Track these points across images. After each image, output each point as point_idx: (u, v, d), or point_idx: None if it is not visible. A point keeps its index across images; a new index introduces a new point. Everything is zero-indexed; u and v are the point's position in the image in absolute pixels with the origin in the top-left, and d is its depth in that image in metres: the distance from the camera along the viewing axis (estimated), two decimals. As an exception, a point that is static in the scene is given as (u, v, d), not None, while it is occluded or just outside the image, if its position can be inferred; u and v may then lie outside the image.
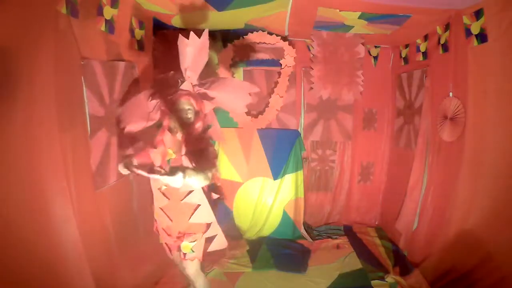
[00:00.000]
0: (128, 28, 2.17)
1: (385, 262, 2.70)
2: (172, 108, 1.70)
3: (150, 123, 1.79)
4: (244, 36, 2.97)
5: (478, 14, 1.96)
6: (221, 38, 3.02)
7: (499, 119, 1.90)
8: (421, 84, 2.69)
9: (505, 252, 1.81)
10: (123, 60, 2.08)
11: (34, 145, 1.36)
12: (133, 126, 1.81)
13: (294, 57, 3.04)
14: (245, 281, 2.45)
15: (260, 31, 2.95)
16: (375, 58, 3.29)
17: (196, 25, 2.85)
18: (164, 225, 1.82)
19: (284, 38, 3.02)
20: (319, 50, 3.02)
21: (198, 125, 1.74)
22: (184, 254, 1.80)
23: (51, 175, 1.43)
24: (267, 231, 3.14)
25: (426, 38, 2.62)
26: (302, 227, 3.17)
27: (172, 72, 1.75)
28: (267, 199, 3.17)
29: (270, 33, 2.96)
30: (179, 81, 1.73)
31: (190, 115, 1.71)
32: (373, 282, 2.39)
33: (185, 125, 1.71)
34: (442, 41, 2.37)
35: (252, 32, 2.95)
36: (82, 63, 1.65)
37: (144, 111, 1.76)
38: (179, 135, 1.73)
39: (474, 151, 2.07)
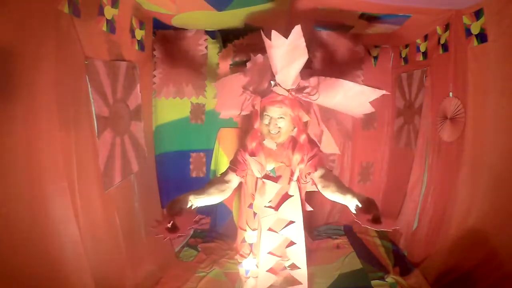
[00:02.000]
0: (128, 28, 2.18)
1: (385, 262, 2.70)
2: (262, 112, 1.48)
3: (244, 113, 1.63)
4: (244, 36, 2.96)
5: (478, 14, 1.96)
6: (221, 38, 3.02)
7: (499, 119, 1.90)
8: (421, 84, 2.69)
9: (506, 252, 1.82)
10: (124, 60, 2.08)
11: (34, 145, 1.36)
12: (226, 113, 1.67)
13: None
14: (245, 281, 2.45)
15: (260, 31, 2.95)
16: (375, 58, 3.29)
17: (196, 25, 2.85)
18: (272, 246, 1.59)
19: (284, 38, 3.01)
20: (319, 50, 3.02)
21: (303, 138, 1.49)
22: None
23: (52, 175, 1.43)
24: (267, 231, 3.13)
25: (426, 38, 2.62)
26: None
27: (261, 59, 1.47)
28: (267, 199, 3.16)
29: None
30: (271, 82, 1.49)
31: (282, 124, 1.46)
32: (373, 282, 2.39)
33: (276, 135, 1.48)
34: (442, 41, 2.38)
35: (252, 32, 2.95)
36: (86, 62, 1.65)
37: (238, 98, 1.58)
38: (269, 143, 1.48)
39: (474, 151, 2.07)
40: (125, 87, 2.09)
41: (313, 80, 1.53)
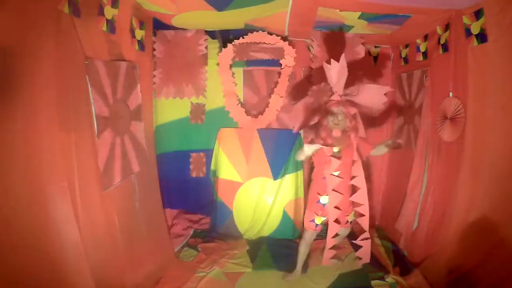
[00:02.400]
0: (128, 28, 2.18)
1: (385, 262, 2.70)
2: (327, 113, 2.24)
3: (313, 122, 2.54)
4: (244, 36, 2.96)
5: (478, 14, 1.96)
6: (221, 38, 3.02)
7: (499, 119, 1.90)
8: (421, 84, 2.69)
9: (506, 252, 1.81)
10: (124, 60, 2.08)
11: (34, 145, 1.36)
12: (299, 127, 2.81)
13: (294, 57, 3.04)
14: (245, 281, 2.45)
15: (260, 31, 2.95)
16: (375, 58, 3.29)
17: (196, 25, 2.85)
18: (336, 202, 2.26)
19: (284, 38, 3.01)
20: (319, 50, 3.02)
21: (352, 123, 2.25)
22: (350, 222, 2.53)
23: (52, 175, 1.43)
24: (267, 231, 3.14)
25: (426, 38, 2.63)
26: (302, 227, 3.17)
27: (323, 83, 2.43)
28: (267, 199, 3.16)
29: (270, 33, 2.96)
30: (329, 92, 2.33)
31: (341, 117, 2.20)
32: (373, 282, 2.40)
33: (337, 126, 2.21)
34: (442, 41, 2.38)
35: (252, 32, 2.95)
36: (86, 62, 1.64)
37: (306, 115, 2.59)
38: (336, 133, 2.20)
39: (474, 151, 2.07)
40: (125, 87, 2.09)
41: (352, 88, 2.33)
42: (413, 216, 2.72)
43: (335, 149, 2.27)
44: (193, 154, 3.32)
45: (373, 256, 2.79)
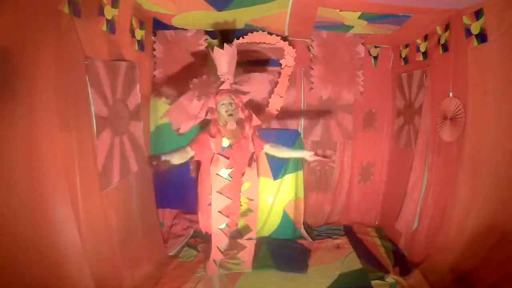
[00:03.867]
0: (128, 28, 2.18)
1: (385, 262, 2.70)
2: (217, 104, 2.05)
3: (198, 120, 2.14)
4: (244, 36, 2.96)
5: (478, 14, 1.96)
6: (221, 38, 3.02)
7: (499, 119, 1.90)
8: (421, 84, 2.69)
9: (506, 252, 1.81)
10: (124, 60, 2.08)
11: (35, 145, 1.36)
12: (185, 126, 2.14)
13: (294, 57, 3.04)
14: (245, 281, 2.45)
15: (260, 31, 2.94)
16: (375, 58, 3.29)
17: (196, 25, 2.85)
18: (220, 207, 2.05)
19: (284, 38, 3.00)
20: (319, 50, 3.02)
21: (246, 112, 2.11)
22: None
23: (52, 175, 1.43)
24: (267, 231, 3.14)
25: (426, 38, 2.63)
26: (302, 227, 3.17)
27: (205, 76, 2.07)
28: (267, 199, 3.16)
29: (270, 33, 2.95)
30: (217, 82, 2.08)
31: (233, 107, 2.04)
32: (373, 282, 2.39)
33: (232, 117, 2.04)
34: (442, 41, 2.38)
35: (252, 32, 2.94)
36: (86, 62, 1.65)
37: (190, 112, 2.12)
38: (231, 125, 2.03)
39: (474, 151, 2.07)
40: (125, 87, 2.09)
41: (242, 77, 2.27)
42: (413, 216, 2.72)
43: (226, 143, 2.06)
44: (193, 154, 3.31)
45: (373, 256, 2.80)
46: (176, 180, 3.26)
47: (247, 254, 2.36)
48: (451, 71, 2.27)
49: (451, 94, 2.30)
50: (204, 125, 2.16)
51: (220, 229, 2.08)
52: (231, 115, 2.03)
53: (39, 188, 1.38)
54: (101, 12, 1.81)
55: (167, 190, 3.18)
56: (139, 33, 2.33)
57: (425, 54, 2.66)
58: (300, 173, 3.20)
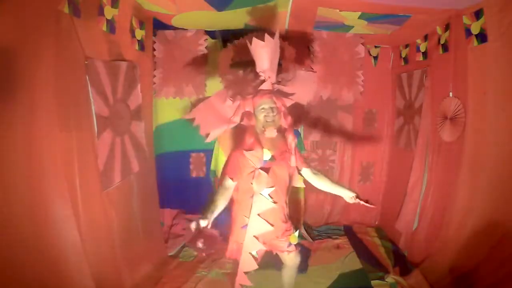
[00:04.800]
0: (128, 28, 2.18)
1: (385, 262, 2.70)
2: (255, 108, 1.73)
3: (232, 125, 1.82)
4: (244, 36, 2.96)
5: (478, 14, 1.96)
6: (221, 38, 3.02)
7: (499, 119, 1.90)
8: (421, 84, 2.69)
9: (506, 251, 1.82)
10: (124, 60, 2.08)
11: (34, 145, 1.36)
12: (215, 132, 1.83)
13: (294, 57, 3.03)
14: (245, 281, 2.45)
15: (260, 32, 2.94)
16: (375, 58, 3.29)
17: (196, 25, 2.85)
18: (258, 232, 1.73)
19: (284, 38, 3.01)
20: (319, 50, 3.02)
21: (289, 119, 1.77)
22: (294, 245, 1.88)
23: (52, 175, 1.43)
24: (267, 231, 3.13)
25: (426, 38, 2.62)
26: (302, 227, 3.17)
27: (241, 71, 1.76)
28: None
29: (270, 33, 2.96)
30: (256, 80, 1.75)
31: (274, 112, 1.72)
32: (373, 282, 2.39)
33: (272, 123, 1.71)
34: (442, 41, 2.38)
35: (252, 32, 2.94)
36: (86, 62, 1.65)
37: (222, 114, 1.81)
38: (271, 132, 1.70)
39: (474, 151, 2.07)
40: (126, 87, 2.09)
41: (285, 75, 1.88)
42: (413, 216, 2.72)
43: (267, 156, 1.70)
44: (193, 154, 3.31)
45: (373, 256, 2.80)
46: (176, 180, 3.27)
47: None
48: (451, 71, 2.27)
49: (451, 94, 2.30)
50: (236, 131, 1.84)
51: (251, 254, 1.76)
52: (271, 120, 1.70)
53: (39, 188, 1.38)
54: (101, 12, 1.80)
55: (167, 190, 3.18)
56: (139, 33, 2.33)
57: (425, 54, 2.66)
58: (300, 173, 3.19)
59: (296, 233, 1.86)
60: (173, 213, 3.32)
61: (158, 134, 3.05)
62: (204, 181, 3.34)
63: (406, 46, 2.97)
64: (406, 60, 3.01)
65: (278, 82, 1.82)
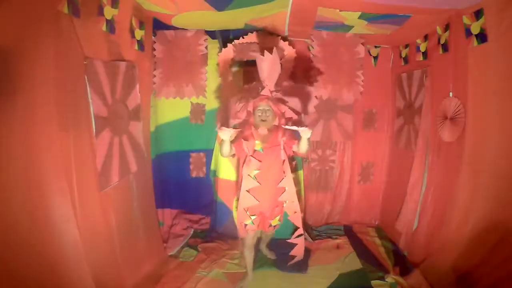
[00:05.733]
0: (128, 28, 2.18)
1: (385, 262, 2.70)
2: (255, 109, 2.16)
3: (238, 120, 2.40)
4: (244, 36, 2.96)
5: (478, 14, 1.96)
6: (221, 38, 3.02)
7: (499, 119, 1.90)
8: (421, 84, 2.69)
9: (506, 252, 1.81)
10: (123, 60, 2.08)
11: (34, 145, 1.36)
12: (226, 124, 2.50)
13: (294, 57, 3.04)
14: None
15: (260, 31, 2.95)
16: (375, 58, 3.29)
17: (196, 25, 2.85)
18: (247, 205, 2.18)
19: (284, 38, 3.01)
20: (319, 50, 3.02)
21: (281, 122, 2.20)
22: (274, 226, 2.39)
23: (51, 175, 1.43)
24: (267, 231, 3.13)
25: (426, 38, 2.62)
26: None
27: (255, 82, 2.25)
28: (267, 199, 3.16)
29: (270, 33, 2.96)
30: (259, 88, 2.22)
31: (269, 113, 2.14)
32: (373, 282, 2.40)
33: (265, 123, 2.14)
34: (442, 41, 2.38)
35: (252, 32, 2.95)
36: (85, 62, 1.65)
37: (233, 111, 2.38)
38: (262, 130, 2.15)
39: (474, 151, 2.07)
40: (124, 87, 2.09)
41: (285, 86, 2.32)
42: (413, 216, 2.72)
43: (258, 146, 2.16)
44: (193, 154, 3.31)
45: (373, 256, 2.80)
46: (176, 180, 3.27)
47: (298, 250, 2.37)
48: (451, 71, 2.27)
49: (451, 94, 2.30)
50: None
51: (246, 223, 2.24)
52: (264, 120, 2.13)
53: (38, 188, 1.38)
54: (101, 12, 1.80)
55: (167, 190, 3.18)
56: (139, 33, 2.33)
57: (425, 54, 2.66)
58: (300, 173, 3.20)
59: (278, 217, 2.36)
60: (173, 213, 3.32)
61: (158, 134, 3.06)
62: (204, 181, 3.34)
63: (406, 46, 2.97)
64: (406, 60, 3.01)
65: (278, 90, 2.22)
